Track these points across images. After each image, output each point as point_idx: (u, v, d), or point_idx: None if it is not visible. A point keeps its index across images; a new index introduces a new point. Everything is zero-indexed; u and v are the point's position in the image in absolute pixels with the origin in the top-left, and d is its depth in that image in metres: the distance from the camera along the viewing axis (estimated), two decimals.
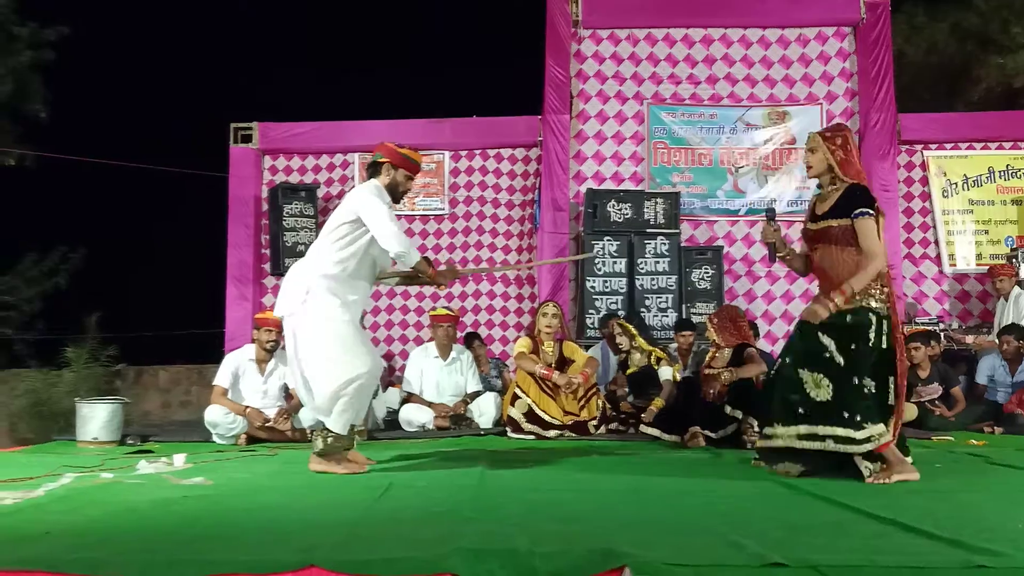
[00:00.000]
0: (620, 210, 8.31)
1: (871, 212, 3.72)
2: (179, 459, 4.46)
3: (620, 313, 7.86)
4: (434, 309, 7.17)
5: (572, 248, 8.52)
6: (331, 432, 4.00)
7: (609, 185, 8.69)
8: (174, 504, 3.25)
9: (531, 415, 5.86)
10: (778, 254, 4.17)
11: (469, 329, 8.40)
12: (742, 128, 8.83)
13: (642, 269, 8.17)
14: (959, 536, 2.43)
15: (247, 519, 2.95)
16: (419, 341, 8.29)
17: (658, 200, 8.37)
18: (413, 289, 8.83)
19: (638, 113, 8.80)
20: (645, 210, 8.33)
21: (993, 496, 3.39)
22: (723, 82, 8.80)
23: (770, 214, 4.29)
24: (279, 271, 8.38)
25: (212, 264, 9.24)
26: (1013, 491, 3.52)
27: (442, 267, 4.57)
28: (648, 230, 8.27)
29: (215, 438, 5.73)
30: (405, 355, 7.82)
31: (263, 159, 8.99)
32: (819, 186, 4.04)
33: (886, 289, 3.79)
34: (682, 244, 8.38)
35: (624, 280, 8.17)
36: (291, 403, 5.89)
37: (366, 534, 2.63)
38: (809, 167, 4.00)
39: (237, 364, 5.91)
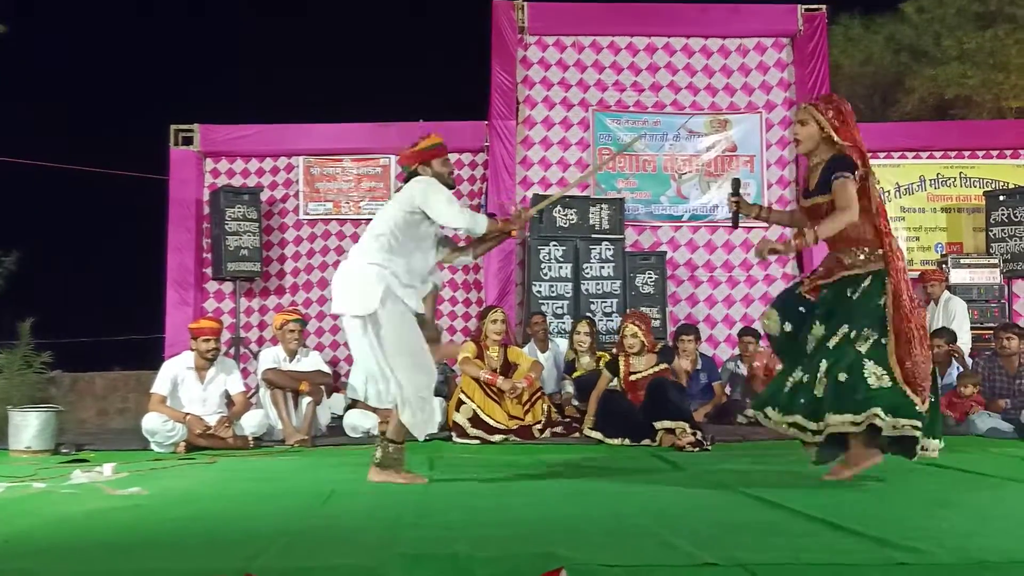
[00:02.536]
0: (566, 215, 8.39)
1: (847, 174, 3.66)
2: (108, 468, 4.36)
3: (566, 317, 7.94)
4: None
5: (518, 253, 8.57)
6: (391, 442, 3.94)
7: (555, 190, 8.75)
8: (109, 514, 3.19)
9: (476, 420, 5.88)
10: (750, 215, 4.12)
11: None
12: (685, 135, 8.98)
13: (587, 274, 8.25)
14: (885, 534, 2.52)
15: (184, 528, 2.91)
16: None
17: (603, 206, 8.47)
18: None
19: (583, 119, 8.90)
20: (590, 215, 8.42)
21: (920, 495, 3.52)
22: (666, 90, 8.95)
23: (735, 185, 4.21)
24: (221, 275, 8.26)
25: (152, 268, 9.06)
26: (940, 490, 3.65)
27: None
28: (593, 235, 8.36)
29: (153, 446, 5.62)
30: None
31: (204, 161, 8.84)
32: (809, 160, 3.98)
33: (879, 250, 3.74)
34: (626, 249, 8.49)
35: (570, 285, 8.24)
36: (232, 410, 5.82)
37: (307, 542, 2.62)
38: (798, 141, 3.92)
39: (176, 371, 5.81)
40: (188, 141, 8.68)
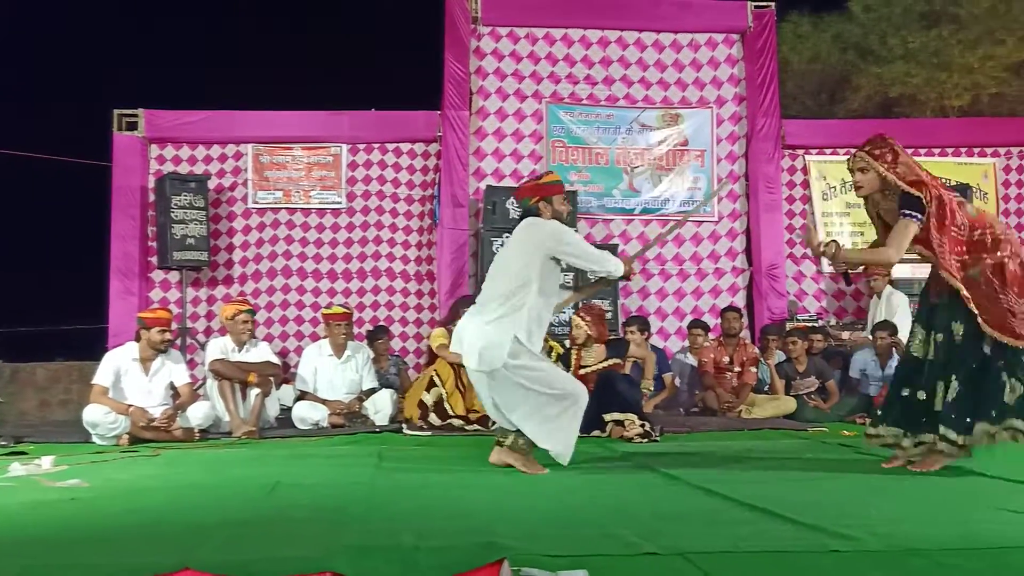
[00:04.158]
0: (519, 208, 8.38)
1: (913, 215, 3.72)
2: (47, 461, 4.26)
3: None
4: (329, 307, 7.05)
5: (471, 244, 8.57)
6: (525, 437, 3.93)
7: (508, 182, 8.75)
8: (46, 507, 3.12)
9: (438, 406, 5.94)
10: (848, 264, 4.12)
11: (369, 325, 8.34)
12: (637, 129, 9.06)
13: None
14: (819, 522, 2.59)
15: (123, 521, 2.87)
16: (315, 337, 8.16)
17: None
18: (309, 284, 8.71)
19: (537, 111, 8.91)
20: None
21: (857, 484, 3.61)
22: (619, 83, 9.00)
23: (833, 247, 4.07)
24: (167, 264, 8.11)
25: (95, 257, 8.86)
26: (876, 480, 3.75)
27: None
28: None
29: (95, 439, 5.50)
30: (300, 351, 7.69)
31: (150, 148, 8.65)
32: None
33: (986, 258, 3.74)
34: None
35: None
36: (178, 402, 5.72)
37: (250, 534, 2.60)
38: (859, 187, 4.00)
39: (119, 362, 5.69)
40: (132, 126, 8.48)
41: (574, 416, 3.83)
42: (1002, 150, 9.38)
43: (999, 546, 2.32)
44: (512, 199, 8.31)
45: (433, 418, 5.93)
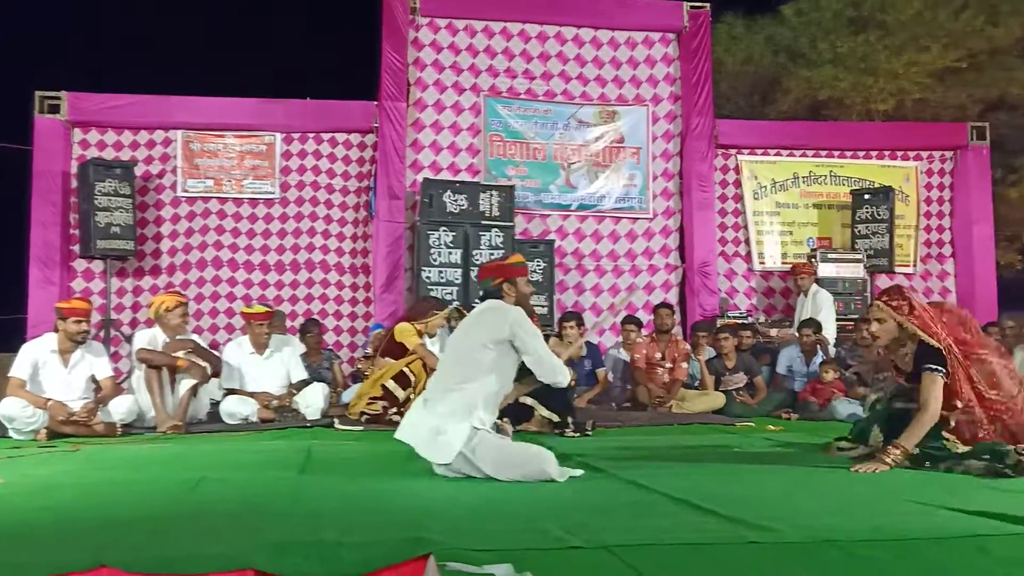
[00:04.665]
0: (456, 201, 8.37)
1: (936, 368, 3.86)
2: None
3: (455, 303, 7.93)
4: (250, 305, 6.80)
5: (408, 237, 8.51)
6: None
7: (445, 175, 8.73)
8: None
9: (405, 402, 5.79)
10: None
11: (303, 319, 8.21)
12: (575, 125, 9.12)
13: (477, 260, 8.26)
14: (741, 515, 2.65)
15: (40, 518, 2.77)
16: (245, 331, 7.99)
17: (493, 192, 8.50)
18: (240, 275, 8.53)
19: (475, 105, 8.89)
20: (481, 202, 8.44)
21: (779, 477, 3.71)
22: (557, 79, 9.05)
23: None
24: (90, 253, 7.86)
25: (13, 245, 8.51)
26: (798, 473, 3.86)
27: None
28: (483, 222, 8.39)
29: (11, 433, 5.30)
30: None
31: (73, 132, 8.36)
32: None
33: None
34: (516, 236, 8.56)
35: (459, 271, 8.24)
36: (99, 395, 5.55)
37: (169, 531, 2.54)
38: (876, 337, 4.14)
39: (37, 354, 5.48)
40: (55, 109, 8.19)
41: (541, 472, 3.54)
42: (924, 154, 9.73)
43: (907, 537, 2.41)
44: (449, 192, 8.31)
45: (390, 412, 5.80)
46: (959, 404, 3.90)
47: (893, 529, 2.52)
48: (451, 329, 6.86)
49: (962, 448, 3.83)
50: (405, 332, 6.21)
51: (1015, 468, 3.64)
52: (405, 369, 5.94)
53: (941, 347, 3.89)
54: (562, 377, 3.79)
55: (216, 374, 6.10)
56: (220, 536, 2.43)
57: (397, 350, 6.23)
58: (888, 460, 3.80)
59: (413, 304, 7.20)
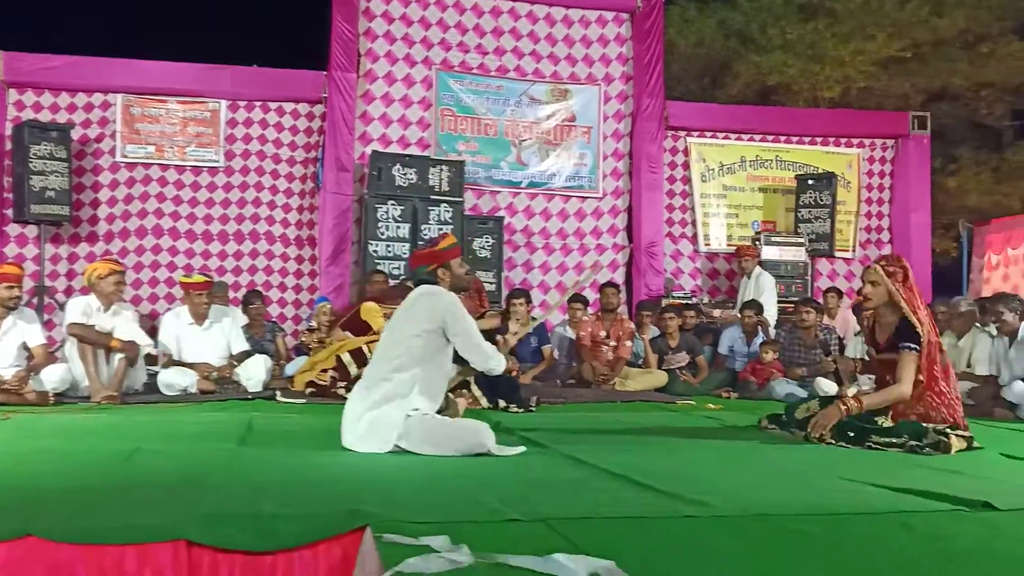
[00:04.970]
0: (405, 175, 8.30)
1: (914, 347, 3.94)
2: None
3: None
4: (189, 274, 6.60)
5: (355, 210, 8.42)
6: None
7: (395, 148, 8.64)
8: None
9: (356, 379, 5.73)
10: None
11: (246, 290, 8.06)
12: (526, 102, 9.10)
13: (425, 235, 8.22)
14: (678, 490, 2.69)
15: None
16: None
17: (443, 167, 8.45)
18: (182, 244, 8.36)
19: (426, 78, 8.80)
20: (430, 176, 8.38)
21: (716, 454, 3.79)
22: (510, 55, 9.00)
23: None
24: (23, 218, 7.63)
25: None
26: (734, 450, 3.95)
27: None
28: (432, 196, 8.33)
29: None
30: None
31: (8, 93, 8.04)
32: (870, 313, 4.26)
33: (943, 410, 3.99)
34: (465, 212, 8.52)
35: (407, 245, 8.19)
36: (31, 363, 5.39)
37: (101, 501, 2.48)
38: (867, 298, 4.16)
39: None
40: None
41: (479, 445, 3.51)
42: (867, 141, 9.95)
43: (836, 512, 2.49)
44: (398, 166, 8.23)
45: (339, 385, 5.74)
46: (922, 380, 4.00)
47: (823, 504, 2.60)
48: None
49: (888, 423, 3.96)
50: (373, 312, 6.15)
51: (935, 447, 3.79)
52: (364, 347, 5.88)
53: (920, 329, 3.99)
54: (495, 364, 3.74)
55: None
56: (154, 507, 2.38)
57: (359, 327, 6.16)
58: (842, 407, 3.95)
59: (387, 289, 7.02)
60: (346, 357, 5.87)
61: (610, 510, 2.42)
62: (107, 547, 2.06)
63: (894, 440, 3.85)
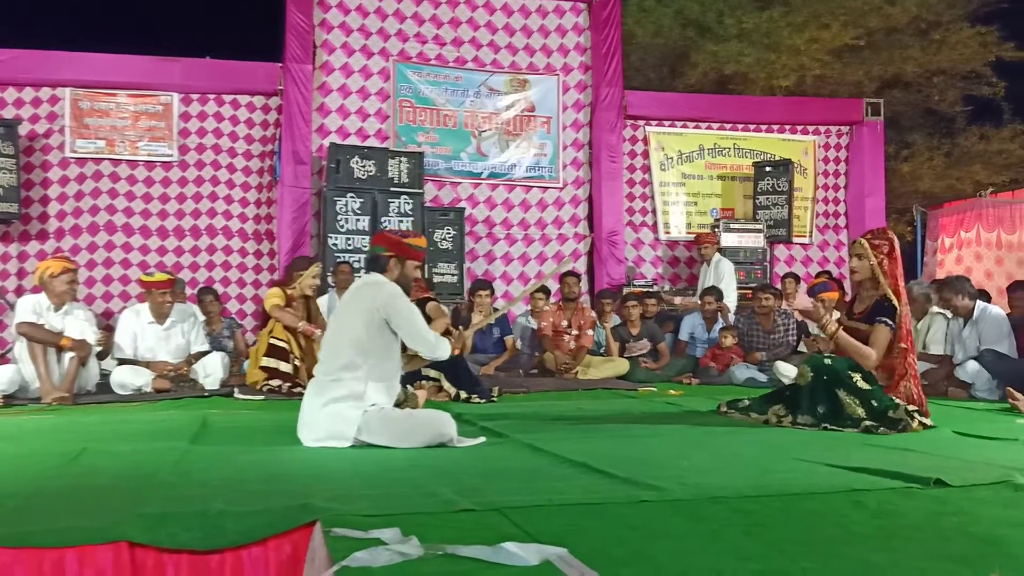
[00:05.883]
0: (364, 167, 8.21)
1: (889, 323, 4.12)
2: None
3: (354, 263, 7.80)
4: (150, 273, 6.45)
5: (314, 203, 8.32)
6: None
7: (353, 141, 8.56)
8: None
9: (296, 372, 5.67)
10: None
11: (202, 285, 7.93)
12: (485, 93, 9.05)
13: (386, 227, 8.15)
14: (634, 476, 2.69)
15: None
16: (142, 299, 7.64)
17: (403, 159, 8.37)
18: (136, 241, 8.19)
19: (384, 69, 8.72)
20: (389, 168, 8.31)
21: (675, 439, 3.79)
22: (468, 46, 8.94)
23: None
24: None
25: None
26: (693, 435, 3.96)
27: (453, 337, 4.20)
28: (392, 188, 8.26)
29: None
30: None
31: None
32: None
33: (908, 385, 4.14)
34: (426, 204, 8.46)
35: (367, 238, 8.09)
36: None
37: (41, 505, 2.40)
38: (854, 272, 4.30)
39: None
40: None
41: (440, 435, 3.51)
42: (822, 128, 10.06)
43: (789, 492, 2.50)
44: (356, 158, 8.14)
45: (276, 382, 5.68)
46: (904, 346, 4.16)
47: (777, 485, 2.61)
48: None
49: (864, 384, 4.06)
50: (268, 297, 6.01)
51: (893, 425, 3.85)
52: (273, 340, 5.77)
53: (898, 306, 4.13)
54: (441, 351, 3.76)
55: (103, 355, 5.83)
56: (96, 509, 2.32)
57: (267, 318, 6.08)
58: (826, 315, 4.24)
59: (285, 269, 6.93)
60: (269, 362, 5.77)
61: (564, 497, 2.40)
62: (46, 550, 2.00)
63: (851, 418, 3.95)
